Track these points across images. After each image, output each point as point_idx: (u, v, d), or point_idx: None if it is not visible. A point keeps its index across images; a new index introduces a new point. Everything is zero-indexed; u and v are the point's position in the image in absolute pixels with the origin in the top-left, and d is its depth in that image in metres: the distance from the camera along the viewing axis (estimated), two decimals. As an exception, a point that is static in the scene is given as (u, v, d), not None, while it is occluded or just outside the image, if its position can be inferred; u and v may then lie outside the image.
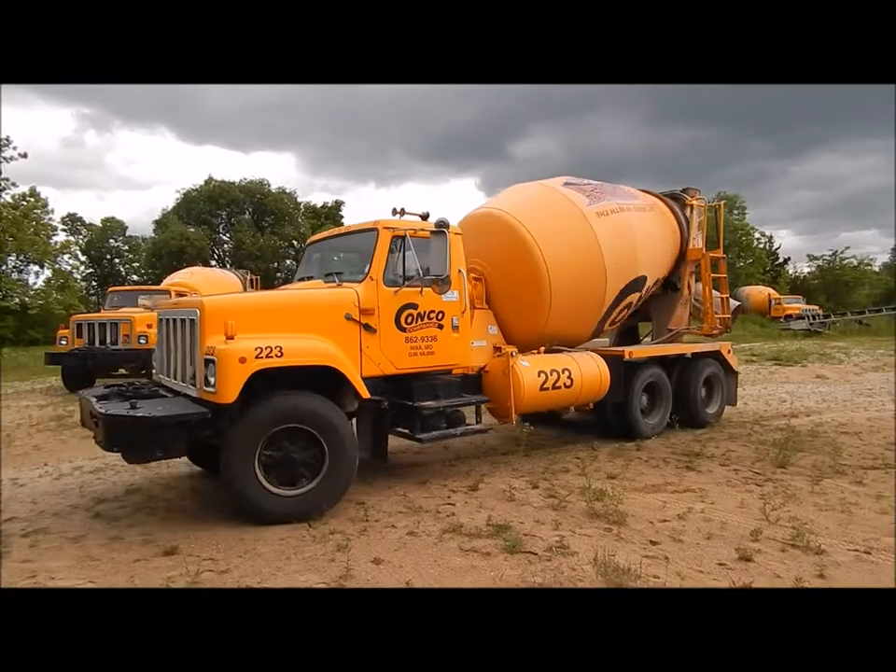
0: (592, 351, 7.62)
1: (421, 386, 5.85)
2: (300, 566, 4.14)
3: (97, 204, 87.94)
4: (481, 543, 4.43)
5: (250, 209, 49.00)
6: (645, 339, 9.86)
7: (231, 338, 4.66)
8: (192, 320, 4.99)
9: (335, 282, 5.80)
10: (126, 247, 50.28)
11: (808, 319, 31.69)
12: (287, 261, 51.16)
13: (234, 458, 4.71)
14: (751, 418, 9.50)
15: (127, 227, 49.91)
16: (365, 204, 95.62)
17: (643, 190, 9.04)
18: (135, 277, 46.56)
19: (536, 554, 4.22)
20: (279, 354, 4.74)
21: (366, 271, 5.65)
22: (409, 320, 5.74)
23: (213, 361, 4.58)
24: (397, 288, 5.67)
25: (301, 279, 6.51)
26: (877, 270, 53.39)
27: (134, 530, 4.89)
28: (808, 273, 56.28)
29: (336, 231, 6.78)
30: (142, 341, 14.29)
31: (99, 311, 17.05)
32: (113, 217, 49.71)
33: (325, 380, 5.11)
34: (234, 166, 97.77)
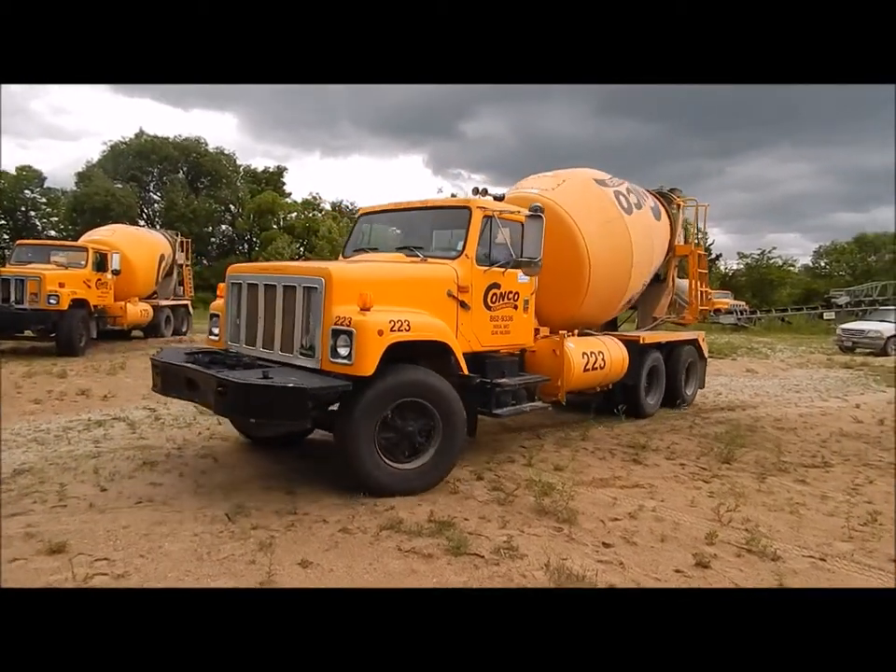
0: (612, 335, 8.17)
1: (492, 364, 5.99)
2: (213, 568, 3.60)
3: (18, 153, 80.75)
4: (422, 543, 4.01)
5: (184, 168, 46.17)
6: (622, 326, 10.22)
7: (367, 309, 4.60)
8: (312, 288, 4.84)
9: (419, 257, 5.75)
10: (44, 200, 46.35)
11: (736, 315, 32.92)
12: (223, 226, 48.83)
13: (356, 432, 4.64)
14: (691, 410, 9.54)
15: (46, 178, 45.93)
16: (309, 172, 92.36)
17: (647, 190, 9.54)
18: (53, 232, 43.01)
19: (482, 557, 3.84)
20: (407, 328, 4.79)
21: (459, 248, 5.69)
22: (493, 299, 5.86)
23: (348, 333, 4.56)
24: (486, 268, 5.74)
25: (361, 250, 6.47)
26: (797, 271, 56.21)
27: (16, 521, 4.18)
28: (737, 269, 58.76)
29: (407, 204, 6.51)
30: (52, 301, 13.00)
31: (4, 265, 15.43)
32: (29, 167, 45.42)
33: (432, 355, 5.19)
34: (172, 122, 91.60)
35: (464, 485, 5.26)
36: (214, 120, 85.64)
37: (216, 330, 5.78)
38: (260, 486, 5.07)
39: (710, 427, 8.25)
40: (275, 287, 5.10)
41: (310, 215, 48.45)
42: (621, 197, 8.08)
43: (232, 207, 48.07)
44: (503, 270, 5.84)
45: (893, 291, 36.72)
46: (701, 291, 10.02)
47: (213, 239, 47.53)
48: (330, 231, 43.06)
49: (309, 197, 50.52)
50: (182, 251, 19.98)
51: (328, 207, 51.46)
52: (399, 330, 4.72)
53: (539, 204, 5.76)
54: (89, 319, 14.20)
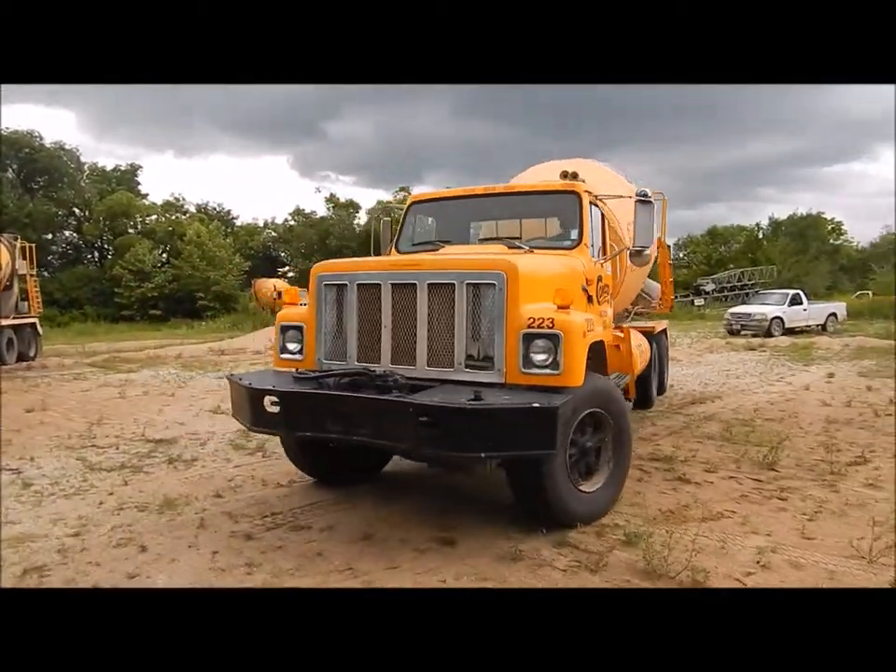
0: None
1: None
2: None
3: None
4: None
5: (14, 166, 39.58)
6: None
7: (566, 307, 3.92)
8: (487, 285, 4.00)
9: (522, 248, 4.89)
10: None
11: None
12: (67, 232, 42.67)
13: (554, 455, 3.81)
14: (661, 406, 8.88)
15: None
16: (163, 173, 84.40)
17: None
18: None
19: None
20: (592, 328, 4.26)
21: (573, 238, 5.11)
22: (599, 292, 5.21)
23: (552, 336, 3.84)
24: (595, 259, 5.20)
25: (425, 244, 5.48)
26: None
27: None
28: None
29: (485, 189, 5.64)
30: None
31: None
32: None
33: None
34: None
35: (523, 545, 3.87)
36: (48, 117, 75.42)
37: (291, 346, 4.65)
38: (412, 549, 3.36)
39: (704, 425, 7.57)
40: (414, 287, 4.12)
41: (173, 217, 43.79)
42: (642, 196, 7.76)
43: (77, 210, 42.09)
44: (604, 262, 5.36)
45: (748, 277, 40.68)
46: (669, 282, 9.85)
47: (54, 247, 41.28)
48: (199, 234, 39.02)
49: (171, 198, 45.74)
50: (24, 258, 16.41)
51: (192, 210, 46.98)
52: (590, 331, 4.18)
53: (646, 189, 5.10)
54: None
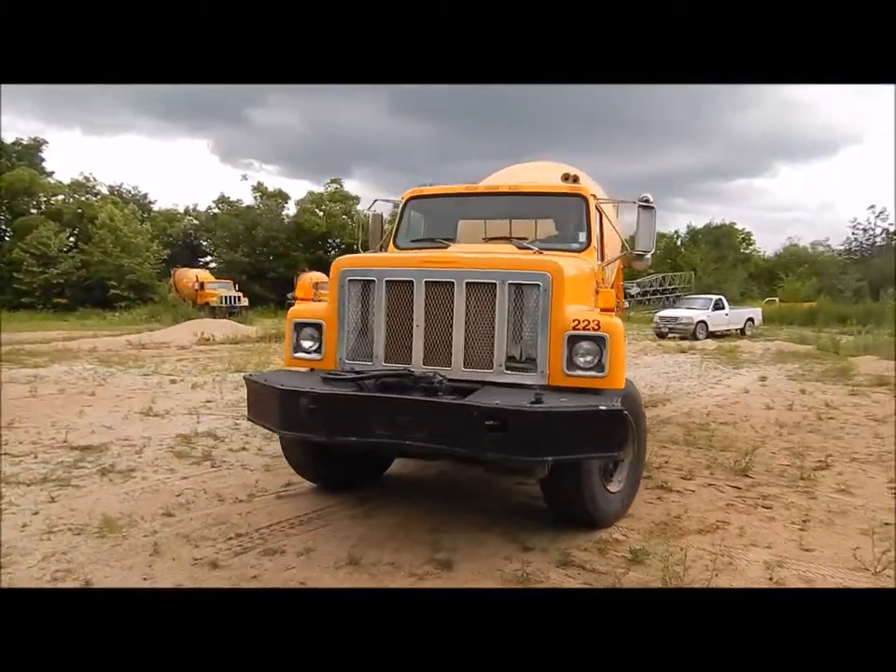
0: None
1: None
2: None
3: None
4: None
5: None
6: None
7: (610, 310, 3.96)
8: (531, 285, 3.94)
9: (531, 249, 4.71)
10: None
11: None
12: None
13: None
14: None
15: None
16: (71, 150, 78.04)
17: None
18: None
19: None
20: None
21: (581, 240, 5.15)
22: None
23: (598, 339, 3.80)
24: (601, 262, 5.25)
25: (425, 240, 5.32)
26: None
27: None
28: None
29: (489, 188, 5.76)
30: None
31: None
32: None
33: None
34: None
35: (527, 568, 3.57)
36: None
37: (307, 344, 4.36)
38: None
39: (663, 429, 7.60)
40: (450, 285, 3.98)
41: (82, 198, 40.53)
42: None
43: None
44: (605, 265, 5.39)
45: (669, 281, 42.64)
46: (620, 285, 9.90)
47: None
48: (112, 218, 36.28)
49: (80, 178, 42.28)
50: None
51: (104, 191, 43.70)
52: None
53: (648, 195, 5.07)
54: None
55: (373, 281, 4.17)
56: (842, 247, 51.85)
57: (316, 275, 40.74)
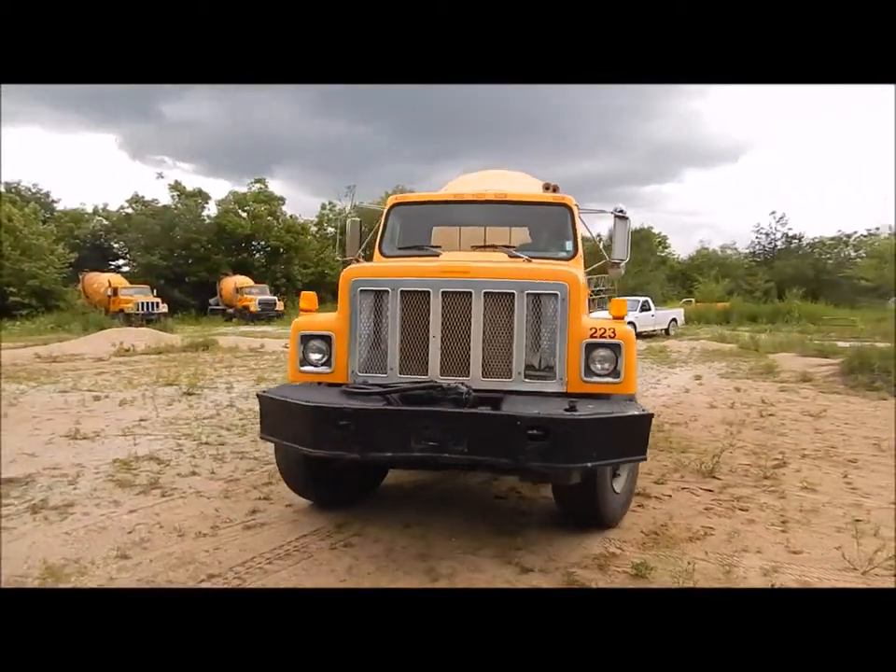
0: None
1: None
2: None
3: None
4: None
5: None
6: None
7: (622, 318, 4.10)
8: (549, 295, 3.96)
9: (520, 258, 4.82)
10: None
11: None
12: None
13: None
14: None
15: None
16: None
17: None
18: None
19: None
20: None
21: (568, 249, 5.23)
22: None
23: (614, 346, 3.90)
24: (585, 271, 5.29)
25: (412, 248, 5.20)
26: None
27: None
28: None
29: (475, 196, 5.49)
30: None
31: None
32: None
33: None
34: None
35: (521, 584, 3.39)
36: None
37: (315, 357, 4.22)
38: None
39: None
40: (468, 295, 3.97)
41: (-27, 197, 36.92)
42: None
43: None
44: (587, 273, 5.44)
45: (594, 284, 44.14)
46: None
47: None
48: (10, 218, 33.23)
49: (-31, 174, 38.51)
50: None
51: (0, 189, 40.05)
52: None
53: (622, 206, 5.31)
54: None
55: (387, 291, 4.08)
56: (748, 251, 55.66)
57: (240, 279, 39.45)
